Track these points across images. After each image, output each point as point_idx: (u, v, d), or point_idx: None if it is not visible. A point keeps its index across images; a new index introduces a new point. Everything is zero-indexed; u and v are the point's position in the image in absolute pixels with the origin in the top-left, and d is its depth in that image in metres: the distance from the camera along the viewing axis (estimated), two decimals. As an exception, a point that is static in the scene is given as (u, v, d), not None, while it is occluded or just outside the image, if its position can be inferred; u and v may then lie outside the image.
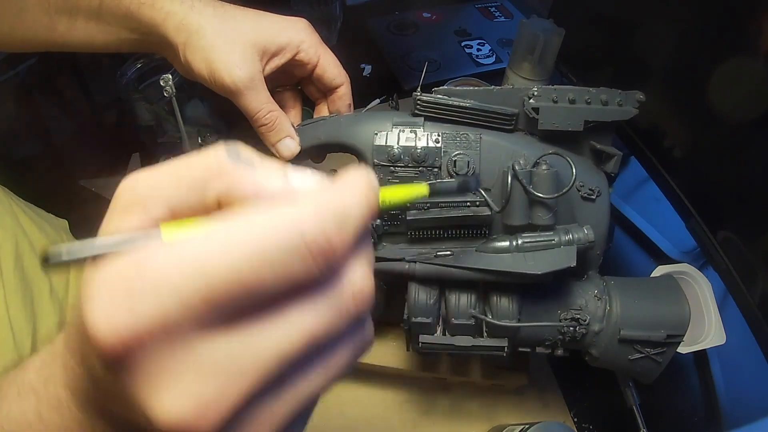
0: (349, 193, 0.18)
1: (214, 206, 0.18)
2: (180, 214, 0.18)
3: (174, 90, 0.39)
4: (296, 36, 0.45)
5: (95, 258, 0.16)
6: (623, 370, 0.46)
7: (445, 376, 0.54)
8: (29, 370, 0.21)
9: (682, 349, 0.54)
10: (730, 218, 0.50)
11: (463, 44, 0.92)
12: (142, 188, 0.18)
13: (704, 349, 0.56)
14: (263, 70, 0.43)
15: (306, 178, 0.19)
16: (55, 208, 0.57)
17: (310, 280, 0.17)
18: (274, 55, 0.44)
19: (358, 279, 0.18)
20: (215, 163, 0.18)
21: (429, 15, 0.99)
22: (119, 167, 0.71)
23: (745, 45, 0.47)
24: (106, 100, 0.82)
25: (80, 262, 0.16)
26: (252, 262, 0.16)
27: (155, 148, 0.67)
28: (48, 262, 0.16)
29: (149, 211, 0.18)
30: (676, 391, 0.59)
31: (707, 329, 0.55)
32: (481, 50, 0.91)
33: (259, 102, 0.43)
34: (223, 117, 0.52)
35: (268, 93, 0.44)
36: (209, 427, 0.16)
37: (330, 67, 0.47)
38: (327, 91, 0.49)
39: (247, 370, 0.16)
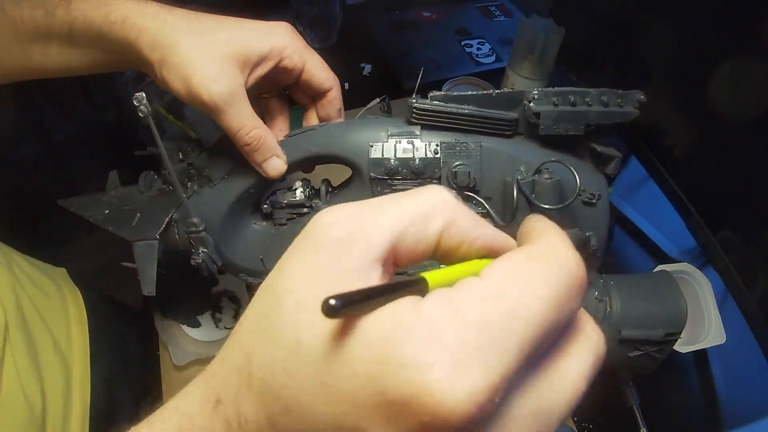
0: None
1: (434, 239, 0.19)
2: (402, 248, 0.19)
3: (149, 110, 0.36)
4: (278, 42, 0.42)
5: (370, 307, 0.16)
6: (622, 366, 0.46)
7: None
8: None
9: (683, 348, 0.54)
10: (730, 218, 0.50)
11: (463, 43, 0.92)
12: (362, 223, 0.18)
13: (704, 349, 0.56)
14: (246, 82, 0.40)
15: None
16: (53, 211, 0.57)
17: (575, 312, 0.18)
18: (256, 65, 0.41)
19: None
20: (439, 196, 0.19)
21: (429, 14, 0.99)
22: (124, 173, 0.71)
23: (745, 45, 0.47)
24: (106, 100, 0.82)
25: (358, 311, 0.16)
26: (551, 300, 0.17)
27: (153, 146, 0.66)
28: (329, 312, 0.15)
29: (373, 247, 0.18)
30: (676, 391, 0.59)
31: (707, 328, 0.55)
32: (481, 49, 0.91)
33: (241, 119, 0.40)
34: (209, 131, 0.49)
35: (251, 108, 0.41)
36: None
37: (317, 71, 0.44)
38: (315, 96, 0.46)
39: (554, 410, 0.17)
